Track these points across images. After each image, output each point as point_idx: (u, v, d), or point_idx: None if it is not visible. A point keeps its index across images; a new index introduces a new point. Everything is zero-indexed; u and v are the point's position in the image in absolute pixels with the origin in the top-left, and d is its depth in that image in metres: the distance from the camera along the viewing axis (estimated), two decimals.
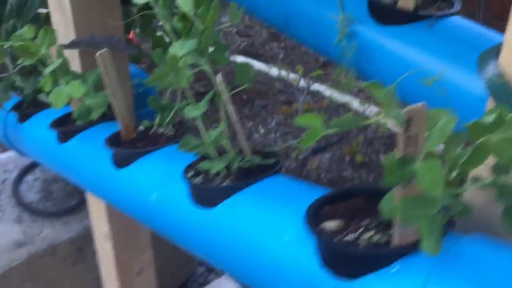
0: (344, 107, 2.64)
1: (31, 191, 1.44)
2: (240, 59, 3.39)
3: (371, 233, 0.47)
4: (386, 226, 0.48)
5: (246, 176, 0.62)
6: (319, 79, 2.76)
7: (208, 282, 1.72)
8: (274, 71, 3.13)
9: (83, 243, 1.40)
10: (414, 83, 0.66)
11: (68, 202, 1.41)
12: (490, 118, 0.35)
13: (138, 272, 1.34)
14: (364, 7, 0.71)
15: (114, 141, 0.78)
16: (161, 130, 0.79)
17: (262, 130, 2.68)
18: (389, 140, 2.29)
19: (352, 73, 0.72)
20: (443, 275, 0.40)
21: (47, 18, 1.02)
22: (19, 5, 1.00)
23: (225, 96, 0.60)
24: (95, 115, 0.84)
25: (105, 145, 0.77)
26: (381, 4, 0.69)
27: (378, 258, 0.45)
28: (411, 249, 0.44)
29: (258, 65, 3.25)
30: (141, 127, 0.82)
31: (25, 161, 1.46)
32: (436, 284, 0.40)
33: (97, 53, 0.73)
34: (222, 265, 0.62)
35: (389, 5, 0.68)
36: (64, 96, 0.76)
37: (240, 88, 0.67)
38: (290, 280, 0.50)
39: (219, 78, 0.60)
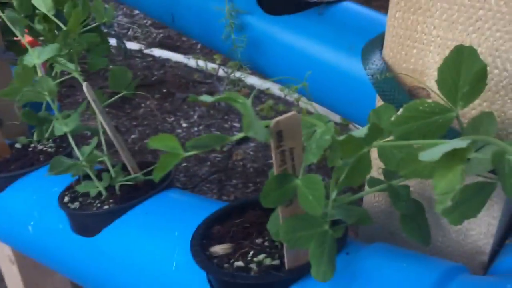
0: (265, 94, 2.60)
1: None
2: (156, 51, 3.24)
3: (263, 255, 0.41)
4: (280, 244, 0.42)
5: (132, 196, 0.54)
6: (238, 67, 2.69)
7: None
8: (192, 62, 3.02)
9: None
10: (311, 77, 0.61)
11: None
12: (362, 133, 0.30)
13: None
14: None
15: None
16: (40, 146, 0.69)
17: (184, 124, 2.58)
18: None
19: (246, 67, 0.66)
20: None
21: None
22: None
23: (96, 106, 0.51)
24: None
25: None
26: None
27: (270, 285, 0.39)
28: (305, 271, 0.38)
29: (176, 56, 3.13)
30: (17, 145, 0.71)
31: None
32: None
33: None
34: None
35: None
36: None
37: (119, 96, 0.58)
38: None
39: (86, 87, 0.50)
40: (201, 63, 2.67)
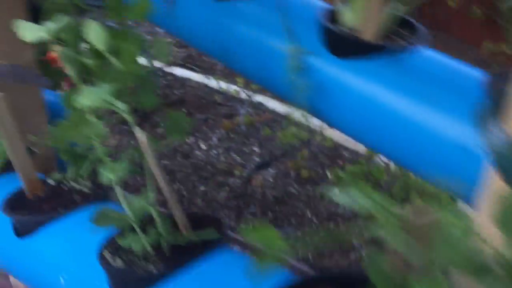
0: (287, 119, 2.54)
1: None
2: (177, 71, 3.21)
3: None
4: None
5: (180, 255, 0.47)
6: (261, 90, 2.64)
7: None
8: (213, 82, 2.98)
9: None
10: (384, 127, 0.55)
11: None
12: None
13: None
14: (317, 37, 0.59)
15: (16, 201, 0.61)
16: (75, 184, 0.63)
17: (203, 146, 2.53)
18: (335, 153, 2.22)
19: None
20: None
21: None
22: None
23: (151, 159, 0.45)
24: None
25: (4, 207, 0.60)
26: (337, 33, 0.57)
27: None
28: None
29: (196, 76, 3.09)
30: (50, 181, 0.65)
31: None
32: None
33: None
34: None
35: (346, 35, 0.56)
36: None
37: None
38: None
39: (142, 137, 0.45)
40: (223, 84, 2.63)
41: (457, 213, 0.27)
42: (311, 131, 2.37)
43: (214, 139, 2.48)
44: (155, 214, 0.48)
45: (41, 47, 1.04)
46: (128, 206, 0.47)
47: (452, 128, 0.48)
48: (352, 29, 0.56)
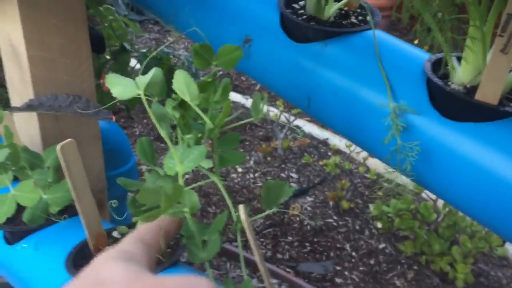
0: (325, 144, 2.47)
1: None
2: None
3: None
4: None
5: None
6: (301, 115, 2.57)
7: None
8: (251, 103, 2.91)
9: None
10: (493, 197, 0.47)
11: None
12: None
13: None
14: (423, 94, 0.52)
15: (79, 257, 0.56)
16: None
17: (239, 169, 2.47)
18: (375, 185, 2.13)
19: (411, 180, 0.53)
20: None
21: None
22: None
23: (251, 236, 0.39)
24: (53, 211, 0.62)
25: (67, 264, 0.55)
26: (449, 92, 0.50)
27: None
28: None
29: (234, 96, 3.05)
30: (116, 233, 0.59)
31: None
32: None
33: (58, 146, 0.50)
34: None
35: (462, 96, 0.49)
36: (10, 205, 0.52)
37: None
38: None
39: (242, 211, 0.39)
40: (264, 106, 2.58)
41: None
42: (353, 161, 2.28)
43: (251, 162, 2.42)
44: None
45: (97, 72, 1.00)
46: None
47: None
48: (464, 87, 0.49)
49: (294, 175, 2.33)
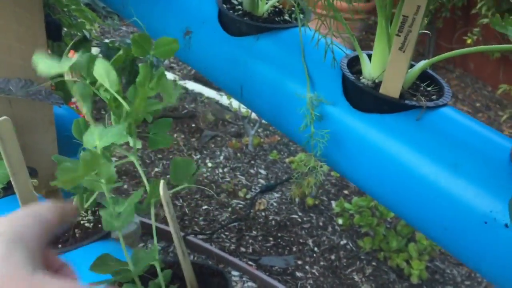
0: (295, 143, 2.53)
1: None
2: (190, 85, 3.21)
3: None
4: None
5: None
6: None
7: None
8: (225, 99, 2.97)
9: None
10: (400, 184, 0.53)
11: None
12: None
13: None
14: (338, 87, 0.57)
15: None
16: (77, 217, 0.61)
17: (209, 164, 2.51)
18: (342, 183, 2.19)
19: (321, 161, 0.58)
20: None
21: None
22: None
23: (168, 210, 0.44)
24: None
25: None
26: (359, 86, 0.55)
27: None
28: None
29: (208, 92, 3.08)
30: None
31: None
32: None
33: None
34: None
35: (369, 90, 0.55)
36: None
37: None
38: None
39: (163, 189, 0.43)
40: (234, 102, 2.62)
41: None
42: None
43: (221, 158, 2.47)
44: (158, 268, 0.46)
45: None
46: (131, 257, 0.45)
47: (475, 198, 0.46)
48: (373, 81, 0.54)
49: (263, 171, 2.39)
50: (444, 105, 0.55)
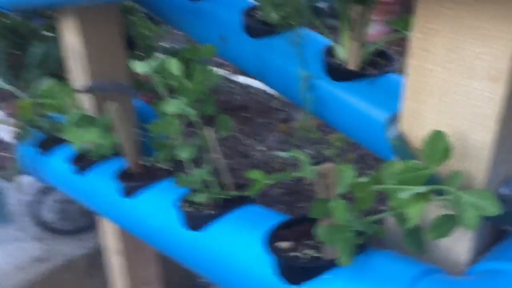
0: None
1: (49, 211, 1.64)
2: (241, 78, 3.58)
3: (312, 251, 0.66)
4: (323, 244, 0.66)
5: (227, 205, 0.81)
6: None
7: None
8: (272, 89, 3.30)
9: (96, 258, 1.60)
10: (363, 126, 0.85)
11: (82, 221, 1.60)
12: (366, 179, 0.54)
13: (145, 283, 1.53)
14: (321, 66, 0.90)
15: (125, 175, 0.98)
16: (161, 165, 0.99)
17: (261, 147, 2.87)
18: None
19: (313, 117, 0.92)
20: (353, 277, 0.59)
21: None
22: (42, 58, 1.20)
23: (213, 144, 0.79)
24: (106, 152, 1.04)
25: (116, 177, 0.97)
26: (333, 64, 0.88)
27: (314, 269, 0.63)
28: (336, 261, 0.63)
29: (257, 84, 3.44)
30: (146, 163, 1.01)
31: (40, 185, 1.66)
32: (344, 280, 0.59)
33: (109, 105, 0.93)
34: (207, 275, 0.81)
35: (339, 66, 0.88)
36: (81, 138, 0.96)
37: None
38: (253, 281, 0.70)
39: (209, 131, 0.79)
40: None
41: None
42: None
43: (271, 141, 2.83)
44: (211, 180, 0.82)
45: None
46: (196, 174, 0.81)
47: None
48: (342, 61, 0.87)
49: (309, 151, 2.71)
50: (389, 72, 0.86)
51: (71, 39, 1.11)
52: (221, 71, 3.52)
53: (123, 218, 0.99)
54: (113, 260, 1.46)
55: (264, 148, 2.82)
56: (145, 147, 1.04)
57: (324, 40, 0.95)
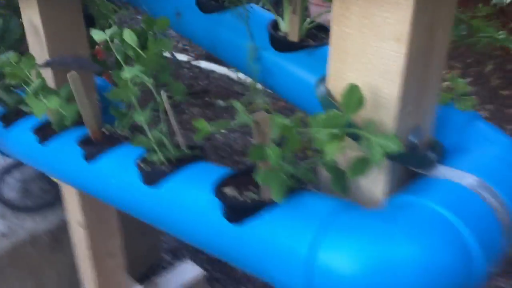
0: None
1: (12, 190, 1.70)
2: (203, 64, 3.66)
3: (254, 194, 0.77)
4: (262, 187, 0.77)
5: (180, 163, 0.91)
6: None
7: (172, 266, 2.00)
8: (234, 74, 3.42)
9: (60, 233, 1.67)
10: (303, 92, 0.97)
11: (45, 198, 1.67)
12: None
13: (109, 255, 1.62)
14: (267, 39, 1.01)
15: (85, 141, 1.06)
16: (120, 132, 1.08)
17: (223, 130, 2.97)
18: None
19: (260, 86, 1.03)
20: (285, 212, 0.71)
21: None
22: (2, 32, 1.27)
23: (166, 106, 0.89)
24: (68, 122, 1.12)
25: (78, 144, 1.05)
26: (276, 37, 0.99)
27: (253, 208, 0.74)
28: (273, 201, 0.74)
29: (220, 69, 3.52)
30: (105, 131, 1.10)
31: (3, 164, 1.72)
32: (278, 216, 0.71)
33: (68, 75, 1.01)
34: (164, 226, 0.91)
35: (282, 38, 0.99)
36: (43, 108, 1.03)
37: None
38: (205, 227, 0.80)
39: (163, 95, 0.88)
40: (242, 75, 3.07)
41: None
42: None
43: (233, 124, 2.93)
44: (166, 140, 0.91)
45: (91, 43, 1.48)
46: (151, 136, 0.91)
47: None
48: (285, 34, 0.98)
49: None
50: (327, 44, 0.98)
51: (30, 15, 1.17)
52: (183, 57, 3.60)
53: (86, 182, 1.07)
54: (77, 233, 1.54)
55: (226, 131, 2.92)
56: (108, 118, 1.12)
57: (269, 15, 1.06)
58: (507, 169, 0.79)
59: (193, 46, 3.80)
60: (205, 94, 3.32)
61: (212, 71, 3.55)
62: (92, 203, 1.42)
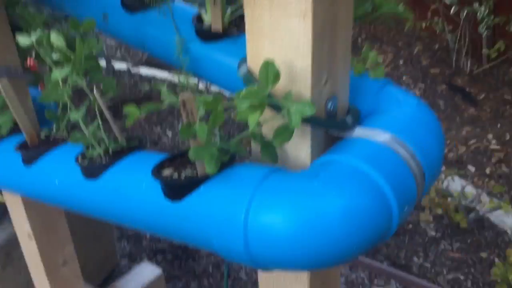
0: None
1: None
2: (143, 70, 3.67)
3: (189, 172, 0.83)
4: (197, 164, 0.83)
5: (120, 154, 0.95)
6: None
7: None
8: (176, 79, 3.45)
9: (10, 248, 1.66)
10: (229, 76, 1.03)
11: None
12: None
13: (63, 264, 1.63)
14: (192, 31, 1.07)
15: (23, 146, 1.09)
16: (57, 135, 1.11)
17: (169, 133, 3.00)
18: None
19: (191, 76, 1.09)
20: (219, 183, 0.77)
21: None
22: None
23: (100, 101, 0.93)
24: (4, 131, 1.14)
25: (15, 150, 1.08)
26: (201, 28, 1.06)
27: (190, 184, 0.80)
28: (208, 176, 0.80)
29: (161, 74, 3.55)
30: (42, 135, 1.12)
31: None
32: (213, 187, 0.77)
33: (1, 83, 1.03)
34: (109, 218, 0.95)
35: (207, 28, 1.05)
36: None
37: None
38: (149, 210, 0.85)
39: (95, 92, 0.93)
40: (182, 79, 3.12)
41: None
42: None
43: (179, 127, 2.97)
44: (104, 135, 0.96)
45: (22, 55, 1.49)
46: (89, 132, 0.95)
47: None
48: (209, 25, 1.05)
49: (216, 132, 2.88)
50: None
51: None
52: (123, 65, 3.59)
53: (29, 187, 1.10)
54: (27, 245, 1.54)
55: (173, 134, 2.95)
56: (47, 125, 1.15)
57: (192, 9, 1.12)
58: (416, 126, 0.88)
59: (131, 54, 3.80)
60: (148, 100, 3.34)
61: (154, 77, 3.56)
62: (38, 212, 1.44)
